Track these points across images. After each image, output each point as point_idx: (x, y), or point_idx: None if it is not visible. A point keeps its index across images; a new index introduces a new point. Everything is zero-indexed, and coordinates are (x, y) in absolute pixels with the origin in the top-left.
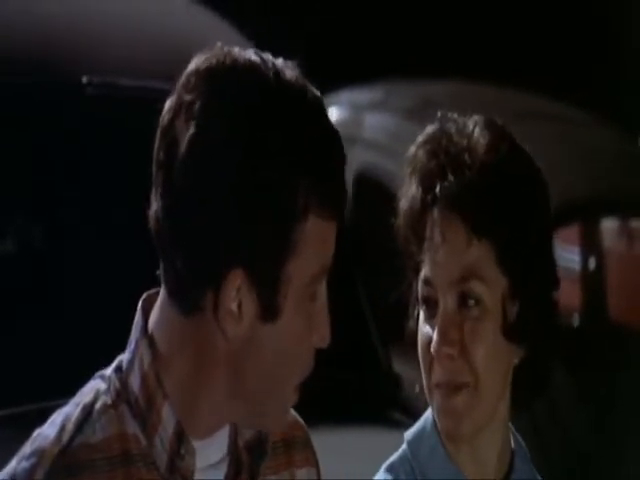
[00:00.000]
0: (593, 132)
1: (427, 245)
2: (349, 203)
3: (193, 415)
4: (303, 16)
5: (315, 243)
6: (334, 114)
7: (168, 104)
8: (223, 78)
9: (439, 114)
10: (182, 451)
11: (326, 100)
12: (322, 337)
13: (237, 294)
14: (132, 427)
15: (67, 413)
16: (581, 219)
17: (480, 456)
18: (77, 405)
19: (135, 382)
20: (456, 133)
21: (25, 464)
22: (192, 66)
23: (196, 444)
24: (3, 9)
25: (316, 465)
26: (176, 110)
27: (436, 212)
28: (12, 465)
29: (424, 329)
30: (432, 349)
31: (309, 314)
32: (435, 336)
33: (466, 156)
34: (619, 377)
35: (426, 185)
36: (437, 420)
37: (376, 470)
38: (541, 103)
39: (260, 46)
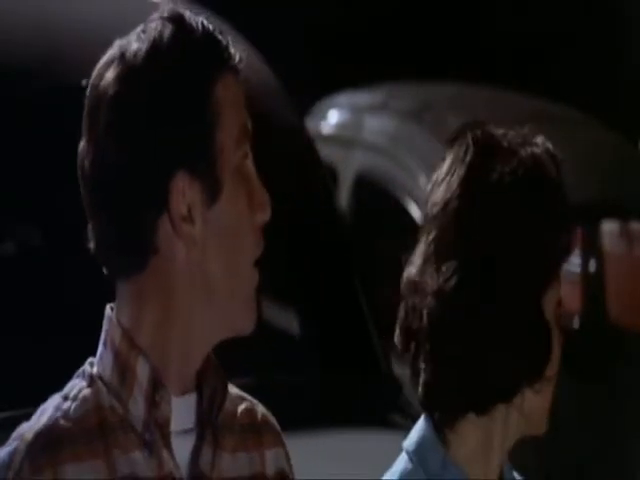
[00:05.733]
0: (593, 134)
1: None
2: (349, 204)
3: (166, 365)
4: (305, 18)
5: (231, 103)
6: (334, 116)
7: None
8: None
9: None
10: (157, 398)
11: (327, 102)
12: (262, 210)
13: (184, 197)
14: (108, 400)
15: (45, 404)
16: (581, 221)
17: (491, 462)
18: (55, 397)
19: (107, 364)
20: None
21: (7, 449)
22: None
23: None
24: (2, 11)
25: (284, 446)
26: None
27: None
28: None
29: None
30: None
31: (246, 191)
32: None
33: None
34: (619, 379)
35: None
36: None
37: (375, 472)
38: (540, 105)
39: (260, 49)
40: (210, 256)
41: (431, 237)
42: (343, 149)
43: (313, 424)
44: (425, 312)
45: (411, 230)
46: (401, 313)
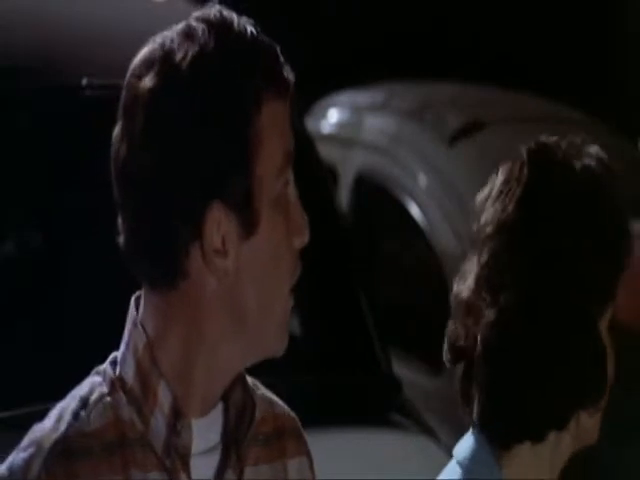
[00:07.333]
0: (593, 134)
1: None
2: (349, 204)
3: (189, 390)
4: (305, 18)
5: (275, 128)
6: (334, 116)
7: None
8: (166, 43)
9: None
10: (178, 427)
11: (327, 102)
12: (301, 235)
13: (218, 229)
14: (128, 413)
15: (63, 405)
16: None
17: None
18: (73, 397)
19: (130, 369)
20: None
21: (23, 455)
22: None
23: (192, 424)
24: (2, 11)
25: (308, 454)
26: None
27: None
28: (10, 458)
29: None
30: None
31: (285, 217)
32: None
33: None
34: (619, 378)
35: None
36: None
37: (376, 472)
38: (540, 105)
39: None
40: (243, 287)
41: (484, 259)
42: (343, 149)
43: (313, 424)
44: (480, 340)
45: (411, 230)
46: (450, 328)
